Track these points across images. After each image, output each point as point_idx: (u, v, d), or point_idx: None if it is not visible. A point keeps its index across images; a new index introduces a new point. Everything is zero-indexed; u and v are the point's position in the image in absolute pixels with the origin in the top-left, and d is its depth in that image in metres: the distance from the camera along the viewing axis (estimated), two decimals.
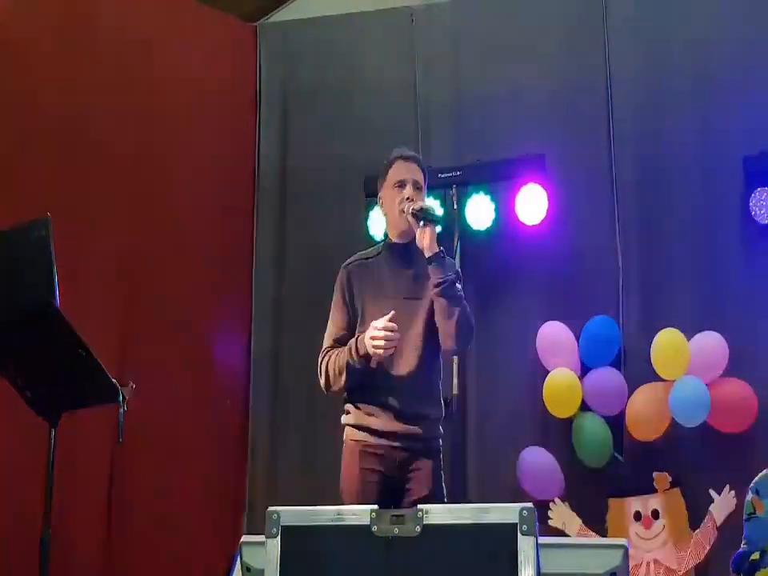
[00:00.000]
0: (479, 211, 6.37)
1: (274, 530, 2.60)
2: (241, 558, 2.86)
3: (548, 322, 6.14)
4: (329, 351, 4.28)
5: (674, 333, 5.74)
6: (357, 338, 4.15)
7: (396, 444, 4.14)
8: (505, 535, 2.40)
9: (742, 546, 4.25)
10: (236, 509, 6.66)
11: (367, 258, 4.40)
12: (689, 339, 5.75)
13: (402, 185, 4.26)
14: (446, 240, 6.23)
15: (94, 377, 4.00)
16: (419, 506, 2.51)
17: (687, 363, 5.70)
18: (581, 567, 2.53)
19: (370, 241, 6.36)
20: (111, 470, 5.60)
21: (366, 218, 6.55)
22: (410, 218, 4.17)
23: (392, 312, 4.04)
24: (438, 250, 4.15)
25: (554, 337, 6.13)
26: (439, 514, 2.49)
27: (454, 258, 6.24)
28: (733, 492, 5.61)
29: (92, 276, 5.48)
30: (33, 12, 5.63)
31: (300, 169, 7.04)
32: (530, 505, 2.39)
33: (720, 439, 5.75)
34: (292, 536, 2.59)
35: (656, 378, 5.81)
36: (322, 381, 4.27)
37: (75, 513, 5.14)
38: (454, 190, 6.38)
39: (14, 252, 4.03)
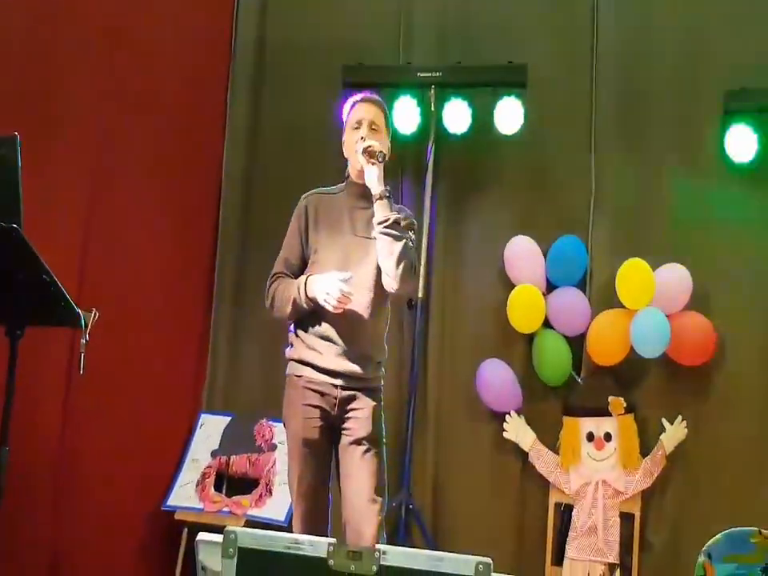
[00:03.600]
0: (457, 115, 6.25)
1: (231, 550, 2.64)
2: (197, 556, 2.90)
3: (517, 236, 6.13)
4: (278, 276, 4.33)
5: (640, 263, 5.74)
6: (307, 278, 4.19)
7: (337, 382, 4.19)
8: None
9: None
10: (195, 385, 6.72)
11: (328, 194, 4.44)
12: (655, 269, 5.76)
13: (358, 125, 4.34)
14: (422, 141, 6.24)
15: (57, 302, 3.97)
16: (377, 546, 2.54)
17: (651, 295, 5.72)
18: None
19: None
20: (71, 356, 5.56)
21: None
22: (360, 156, 4.23)
23: (350, 274, 4.10)
24: (383, 189, 4.20)
25: (522, 251, 6.13)
26: (396, 556, 2.52)
27: (428, 160, 6.21)
28: (685, 422, 5.75)
29: (53, 181, 5.31)
30: None
31: (278, 50, 6.86)
32: (486, 560, 2.43)
33: (677, 370, 5.83)
34: (248, 558, 2.63)
35: (620, 303, 5.83)
36: (268, 303, 4.33)
37: (35, 401, 5.14)
38: (432, 90, 6.25)
39: None
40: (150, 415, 6.08)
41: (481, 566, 2.43)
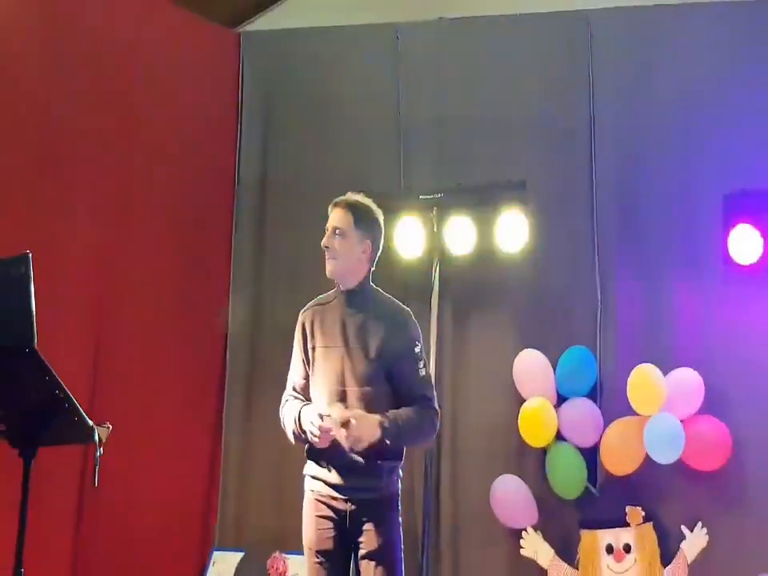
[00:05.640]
0: (459, 235, 6.30)
1: None
2: None
3: (525, 350, 6.13)
4: (287, 402, 4.33)
5: (651, 368, 5.72)
6: (301, 409, 4.17)
7: (347, 497, 4.14)
8: None
9: None
10: (206, 522, 6.65)
11: (322, 303, 4.40)
12: (665, 375, 5.74)
13: (327, 231, 4.32)
14: (426, 261, 6.29)
15: (70, 417, 3.95)
16: None
17: (663, 399, 5.68)
18: None
19: None
20: (81, 492, 5.52)
21: None
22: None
23: (328, 414, 4.04)
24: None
25: (531, 365, 6.12)
26: None
27: (433, 281, 6.24)
28: (705, 529, 5.65)
29: (63, 291, 5.37)
30: (15, 12, 5.51)
31: (280, 181, 6.98)
32: None
33: (694, 476, 5.76)
34: None
35: (632, 411, 5.79)
36: (284, 428, 4.32)
37: (45, 550, 5.07)
38: (434, 212, 6.31)
39: None
40: (162, 553, 6.01)
41: None
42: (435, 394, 4.31)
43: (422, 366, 4.24)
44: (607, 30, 6.48)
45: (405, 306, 4.40)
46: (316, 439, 4.02)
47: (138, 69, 6.25)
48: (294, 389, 4.36)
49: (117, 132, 5.97)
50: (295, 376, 4.37)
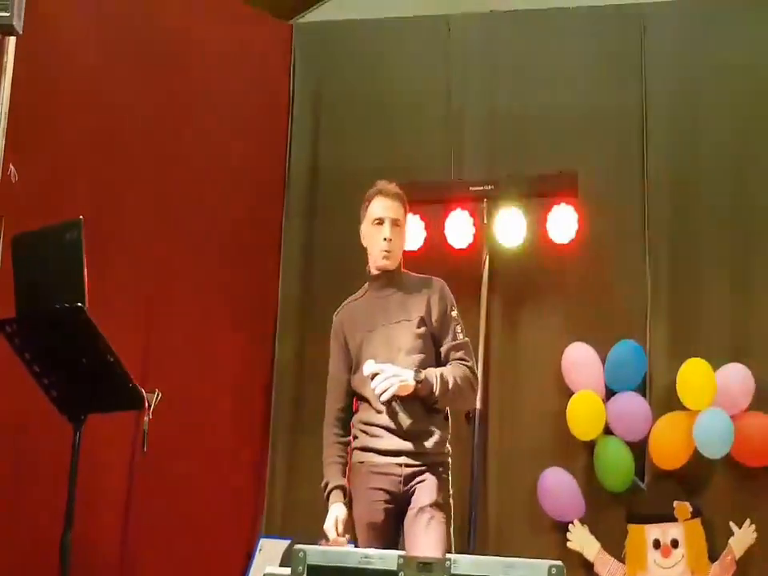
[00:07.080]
0: (509, 227, 6.29)
1: (300, 568, 2.59)
2: None
3: (574, 343, 6.09)
4: (330, 435, 4.31)
5: (701, 363, 5.68)
6: (330, 491, 4.17)
7: (400, 460, 4.11)
8: None
9: None
10: (255, 510, 6.70)
11: (355, 300, 4.42)
12: (715, 370, 5.69)
13: (380, 222, 4.25)
14: (476, 253, 6.28)
15: (120, 383, 4.00)
16: (447, 556, 2.48)
17: (713, 395, 5.64)
18: None
19: None
20: (131, 471, 5.57)
21: None
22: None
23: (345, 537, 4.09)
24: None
25: (580, 358, 6.08)
26: (466, 565, 2.45)
27: (482, 273, 6.27)
28: (753, 526, 5.60)
29: (117, 278, 5.44)
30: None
31: (330, 174, 6.99)
32: (558, 563, 2.36)
33: (743, 472, 5.72)
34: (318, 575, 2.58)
35: (681, 406, 5.75)
36: None
37: (95, 515, 5.12)
38: (484, 203, 6.32)
39: (46, 253, 4.04)
40: (209, 541, 6.04)
41: (554, 569, 2.35)
42: (473, 358, 4.27)
43: (459, 330, 4.25)
44: (660, 22, 6.46)
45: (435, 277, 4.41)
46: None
47: (192, 59, 6.30)
48: (338, 417, 4.31)
49: (171, 121, 6.05)
50: (336, 374, 4.32)
